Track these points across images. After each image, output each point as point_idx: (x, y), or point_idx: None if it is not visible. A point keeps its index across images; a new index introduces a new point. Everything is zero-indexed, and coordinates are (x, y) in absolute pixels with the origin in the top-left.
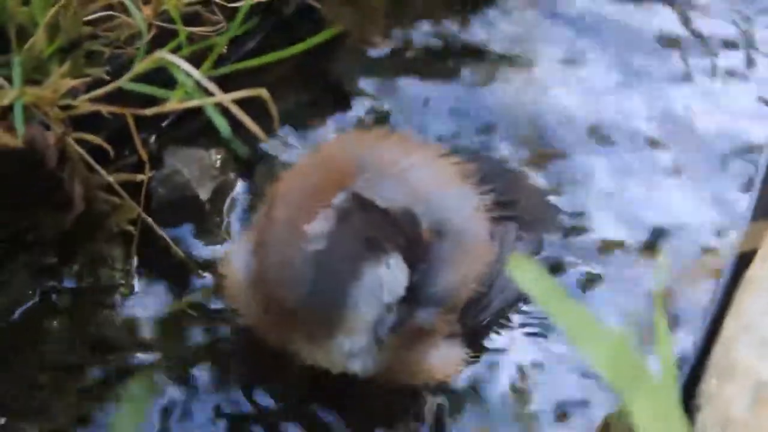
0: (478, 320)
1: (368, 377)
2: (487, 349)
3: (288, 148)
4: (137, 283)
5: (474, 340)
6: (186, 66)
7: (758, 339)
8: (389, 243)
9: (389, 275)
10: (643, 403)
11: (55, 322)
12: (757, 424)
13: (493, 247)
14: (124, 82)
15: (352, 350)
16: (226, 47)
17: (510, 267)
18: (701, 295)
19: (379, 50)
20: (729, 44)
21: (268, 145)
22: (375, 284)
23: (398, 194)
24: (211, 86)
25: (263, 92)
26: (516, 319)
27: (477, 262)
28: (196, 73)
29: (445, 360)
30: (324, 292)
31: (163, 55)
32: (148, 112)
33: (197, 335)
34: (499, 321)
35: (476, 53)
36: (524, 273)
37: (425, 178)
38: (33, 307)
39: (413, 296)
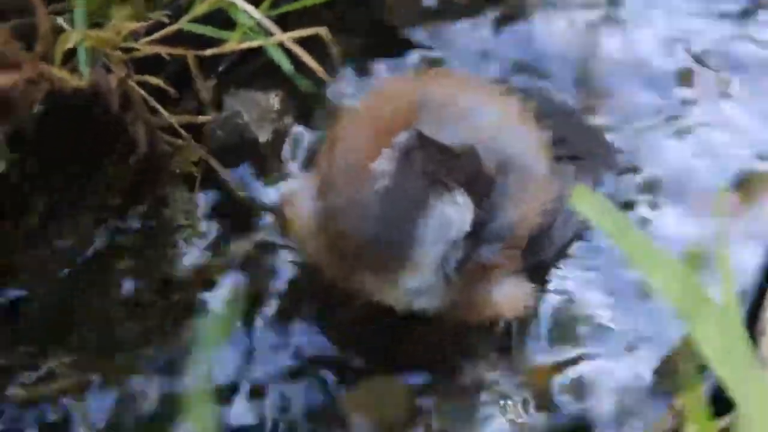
0: (541, 256)
1: (434, 314)
2: (551, 284)
3: (345, 89)
4: (200, 224)
5: (538, 276)
6: (245, 6)
7: None
8: (453, 180)
9: (454, 212)
10: (708, 328)
11: (121, 262)
12: None
13: (554, 184)
14: (184, 23)
15: (418, 287)
16: None
17: (574, 199)
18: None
19: None
20: None
21: (326, 87)
22: (440, 221)
23: (461, 132)
24: (271, 25)
25: (323, 31)
26: (579, 254)
27: (539, 198)
28: (255, 13)
29: (510, 296)
30: (390, 230)
31: None
32: (209, 52)
33: (261, 274)
34: (562, 256)
35: None
36: (588, 204)
37: (487, 116)
38: (99, 247)
39: (478, 233)
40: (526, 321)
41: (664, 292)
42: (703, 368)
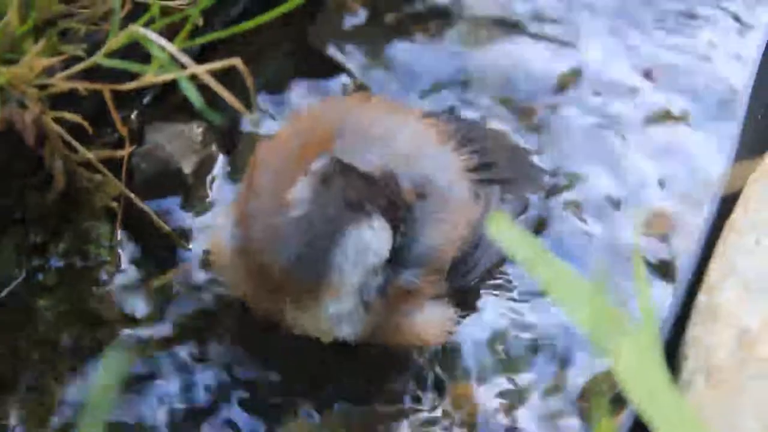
0: (464, 281)
1: (357, 342)
2: (474, 309)
3: (269, 118)
4: (124, 259)
5: (462, 301)
6: (159, 39)
7: (741, 284)
8: (371, 205)
9: (372, 237)
10: (624, 354)
11: (43, 300)
12: (740, 370)
13: (476, 207)
14: (99, 58)
15: (339, 315)
16: (203, 19)
17: (488, 224)
18: (687, 241)
19: (357, 15)
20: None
21: (250, 118)
22: (359, 247)
23: (378, 156)
24: (185, 59)
25: (237, 62)
26: (502, 279)
27: (461, 222)
28: (169, 46)
29: (432, 321)
30: (308, 258)
31: (136, 29)
32: (125, 87)
33: (185, 308)
34: (486, 281)
35: (452, 16)
36: (502, 230)
37: (405, 140)
38: (21, 286)
39: (398, 258)
40: (449, 347)
41: (579, 318)
42: (622, 396)
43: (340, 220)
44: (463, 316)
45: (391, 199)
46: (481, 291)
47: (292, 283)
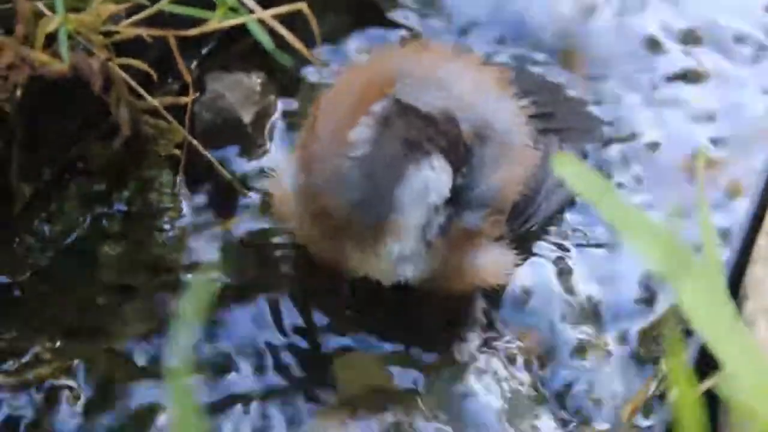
0: (526, 226)
1: (419, 284)
2: (534, 255)
3: (328, 68)
4: (186, 205)
5: (523, 245)
6: None
7: None
8: (431, 145)
9: (433, 177)
10: (692, 290)
11: (107, 246)
12: None
13: (535, 153)
14: (164, 4)
15: (401, 255)
16: None
17: (556, 165)
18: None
19: None
20: None
21: (315, 62)
22: (420, 187)
23: (438, 99)
24: (252, 3)
25: (303, 6)
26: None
27: (520, 165)
28: None
29: (494, 263)
30: (370, 198)
31: None
32: (191, 32)
33: (246, 253)
34: (548, 226)
35: None
36: (570, 169)
37: (465, 84)
38: (85, 232)
39: (459, 199)
40: (508, 291)
41: (647, 255)
42: (689, 332)
43: (400, 160)
44: (523, 261)
45: (451, 140)
46: (541, 237)
47: (354, 225)
